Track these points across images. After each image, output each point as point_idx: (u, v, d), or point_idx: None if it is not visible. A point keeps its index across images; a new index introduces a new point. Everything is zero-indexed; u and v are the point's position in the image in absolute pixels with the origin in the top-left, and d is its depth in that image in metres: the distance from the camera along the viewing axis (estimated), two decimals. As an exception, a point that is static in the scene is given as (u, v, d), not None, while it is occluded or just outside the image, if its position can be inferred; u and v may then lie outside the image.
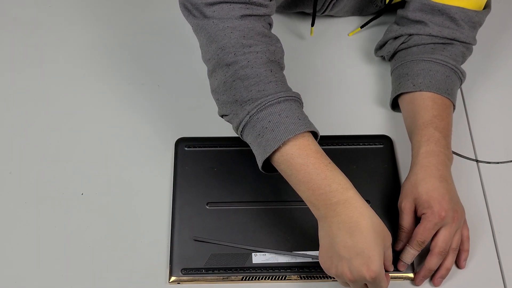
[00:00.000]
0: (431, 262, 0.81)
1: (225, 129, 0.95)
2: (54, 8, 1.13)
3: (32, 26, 1.10)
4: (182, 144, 0.94)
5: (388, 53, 0.99)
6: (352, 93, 1.02)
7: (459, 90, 1.02)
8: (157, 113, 0.99)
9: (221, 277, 0.83)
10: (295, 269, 0.83)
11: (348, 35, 1.09)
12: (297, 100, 0.79)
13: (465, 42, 0.93)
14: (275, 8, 0.86)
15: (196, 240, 0.84)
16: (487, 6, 0.95)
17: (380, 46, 1.02)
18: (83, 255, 0.86)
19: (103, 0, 1.13)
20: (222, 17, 0.80)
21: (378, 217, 0.75)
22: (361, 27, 1.08)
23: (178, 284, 0.83)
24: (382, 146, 0.94)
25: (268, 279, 0.83)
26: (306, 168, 0.75)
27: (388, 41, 0.99)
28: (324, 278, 0.83)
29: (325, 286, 0.84)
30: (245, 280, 0.83)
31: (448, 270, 0.83)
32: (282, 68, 0.83)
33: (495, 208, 0.90)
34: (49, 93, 1.02)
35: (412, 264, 0.84)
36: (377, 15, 1.07)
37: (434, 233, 0.81)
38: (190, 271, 0.82)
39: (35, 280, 0.84)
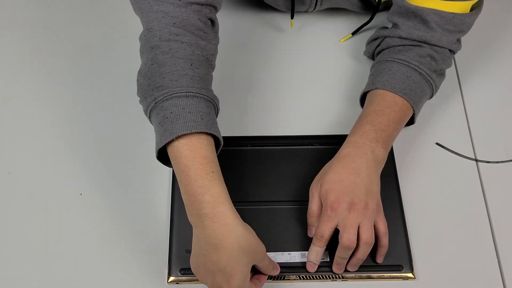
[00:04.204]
0: (338, 254, 0.80)
1: (225, 129, 0.95)
2: (53, 8, 1.13)
3: (31, 26, 1.10)
4: (182, 143, 0.94)
5: (368, 54, 1.01)
6: (352, 93, 1.01)
7: (458, 89, 1.02)
8: (157, 113, 0.99)
9: (220, 277, 0.83)
10: (293, 269, 0.83)
11: (339, 41, 1.10)
12: (209, 101, 0.78)
13: (435, 45, 0.91)
14: (220, 1, 0.86)
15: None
16: (474, 8, 0.91)
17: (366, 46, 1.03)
18: (81, 255, 0.86)
19: (102, 0, 1.13)
20: None
21: (249, 234, 0.74)
22: (353, 33, 1.09)
23: (177, 284, 0.83)
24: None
25: (266, 278, 0.83)
26: (188, 171, 0.73)
27: (370, 42, 1.00)
28: (322, 278, 0.83)
29: (323, 286, 0.83)
30: (244, 280, 0.83)
31: (359, 261, 0.81)
32: (209, 65, 0.82)
33: (495, 208, 0.90)
34: (48, 92, 1.01)
35: (411, 262, 0.84)
36: (368, 21, 1.06)
37: (332, 226, 0.79)
38: (189, 271, 0.82)
39: (34, 280, 0.84)
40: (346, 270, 0.83)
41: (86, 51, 1.07)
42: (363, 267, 0.83)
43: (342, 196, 0.79)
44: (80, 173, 0.93)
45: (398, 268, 0.83)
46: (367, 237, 0.79)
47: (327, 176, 0.82)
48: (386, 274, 0.83)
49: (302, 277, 0.83)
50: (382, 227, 0.82)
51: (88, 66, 1.05)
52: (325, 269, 0.83)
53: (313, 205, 0.83)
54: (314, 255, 0.82)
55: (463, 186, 0.92)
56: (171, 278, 0.83)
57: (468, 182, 0.93)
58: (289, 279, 0.83)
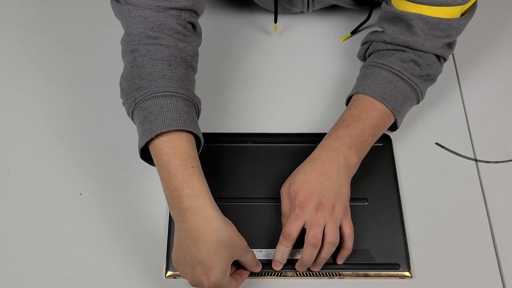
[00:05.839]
0: (303, 252, 0.80)
1: (224, 126, 0.95)
2: (52, 8, 1.13)
3: (31, 26, 1.11)
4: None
5: (360, 57, 1.02)
6: (347, 92, 1.01)
7: (458, 89, 1.02)
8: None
9: (217, 274, 0.83)
10: (291, 266, 0.83)
11: (339, 40, 1.10)
12: (188, 100, 0.79)
13: (419, 50, 0.90)
14: (201, 5, 0.87)
15: None
16: (467, 13, 0.89)
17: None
18: (81, 255, 0.86)
19: (102, 0, 1.14)
20: (138, 5, 0.82)
21: (228, 228, 0.75)
22: (352, 33, 1.09)
23: (175, 279, 0.83)
24: (381, 144, 0.94)
25: (264, 275, 0.83)
26: (169, 167, 0.75)
27: (361, 46, 1.01)
28: (319, 275, 0.83)
29: (320, 283, 0.83)
30: (240, 276, 0.83)
31: (323, 259, 0.81)
32: (189, 66, 0.84)
33: (494, 208, 0.90)
34: (48, 92, 1.02)
35: (408, 261, 0.84)
36: (365, 20, 1.07)
37: (299, 225, 0.79)
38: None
39: (34, 279, 0.84)
40: (309, 270, 0.83)
41: (86, 51, 1.07)
42: (360, 265, 0.83)
43: (310, 196, 0.80)
44: (80, 173, 0.93)
45: (395, 266, 0.83)
46: (331, 236, 0.79)
47: (296, 177, 0.82)
48: (383, 273, 0.83)
49: (299, 274, 0.83)
50: (348, 229, 0.81)
51: (88, 66, 1.05)
52: (324, 266, 0.83)
53: (285, 207, 0.84)
54: (280, 254, 0.81)
55: (463, 186, 0.92)
56: (169, 273, 0.83)
57: (467, 182, 0.92)
58: (286, 276, 0.83)
